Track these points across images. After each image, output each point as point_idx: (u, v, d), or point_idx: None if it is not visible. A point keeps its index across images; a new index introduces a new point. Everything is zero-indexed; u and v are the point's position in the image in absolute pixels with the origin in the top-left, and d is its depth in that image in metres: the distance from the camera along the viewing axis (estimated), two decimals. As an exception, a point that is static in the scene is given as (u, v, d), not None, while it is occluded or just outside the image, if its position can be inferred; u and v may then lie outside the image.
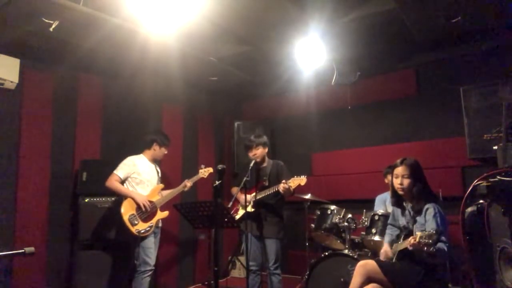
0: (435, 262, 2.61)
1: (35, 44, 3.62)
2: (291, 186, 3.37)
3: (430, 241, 2.31)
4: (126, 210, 3.47)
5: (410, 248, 2.46)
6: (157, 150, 3.79)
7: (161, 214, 3.65)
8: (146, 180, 3.68)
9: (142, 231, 3.48)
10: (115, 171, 3.59)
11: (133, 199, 3.51)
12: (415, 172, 2.75)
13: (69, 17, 3.10)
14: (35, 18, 3.07)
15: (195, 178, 3.89)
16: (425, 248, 2.33)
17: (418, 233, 2.39)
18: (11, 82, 3.59)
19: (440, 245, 2.42)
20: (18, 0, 2.86)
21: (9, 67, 3.58)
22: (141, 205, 3.49)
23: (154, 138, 3.79)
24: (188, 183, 3.83)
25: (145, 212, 3.52)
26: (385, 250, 2.94)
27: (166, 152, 3.88)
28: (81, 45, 3.62)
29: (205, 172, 3.96)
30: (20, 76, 3.66)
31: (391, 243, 2.98)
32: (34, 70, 3.91)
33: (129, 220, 3.44)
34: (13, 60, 3.61)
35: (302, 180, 3.38)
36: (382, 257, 2.94)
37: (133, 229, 3.44)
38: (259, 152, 3.69)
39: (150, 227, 3.53)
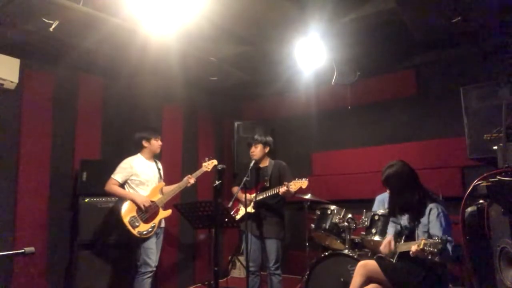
0: (437, 265, 2.60)
1: (35, 44, 3.63)
2: (291, 189, 3.36)
3: (435, 250, 2.29)
4: (126, 213, 3.44)
5: (413, 255, 2.45)
6: (149, 146, 3.71)
7: (163, 213, 3.62)
8: (146, 180, 3.65)
9: (144, 233, 3.45)
10: (112, 175, 3.56)
11: (132, 200, 3.49)
12: (396, 186, 2.74)
13: (69, 17, 3.10)
14: (35, 18, 3.07)
15: (198, 173, 3.79)
16: (430, 256, 2.32)
17: (423, 240, 2.37)
18: (11, 82, 3.59)
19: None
20: (18, 0, 2.86)
21: (9, 67, 3.57)
22: (141, 206, 3.46)
23: (140, 136, 3.71)
24: (191, 180, 3.74)
25: (146, 213, 3.49)
26: (389, 241, 2.88)
27: (160, 143, 3.75)
28: (81, 45, 3.61)
29: (208, 165, 3.81)
30: (20, 76, 3.66)
31: (395, 236, 2.96)
32: (34, 70, 3.91)
33: (129, 222, 3.41)
34: (13, 60, 3.61)
35: (303, 183, 3.37)
36: (384, 248, 2.89)
37: (135, 231, 3.41)
38: (257, 150, 3.69)
39: (153, 227, 3.51)
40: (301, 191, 3.55)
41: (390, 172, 2.75)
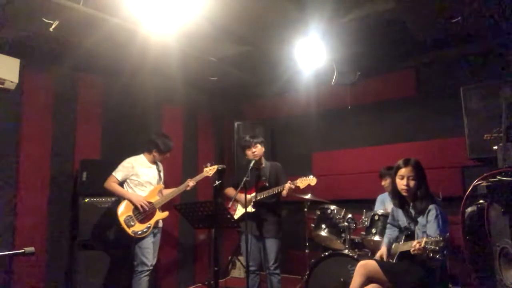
0: (434, 265, 2.61)
1: (35, 44, 3.62)
2: (299, 187, 3.37)
3: (437, 248, 2.29)
4: (123, 212, 3.47)
5: (414, 253, 2.45)
6: (157, 156, 3.75)
7: (160, 215, 3.64)
8: (145, 181, 3.67)
9: (139, 232, 3.47)
10: (113, 173, 3.60)
11: (129, 200, 3.51)
12: (420, 173, 2.75)
13: (69, 17, 3.10)
14: (35, 18, 3.07)
15: (198, 177, 3.78)
16: (431, 254, 2.32)
17: (424, 238, 2.37)
18: (11, 82, 3.59)
19: None
20: (18, 0, 2.86)
21: (9, 67, 3.57)
22: (139, 206, 3.49)
23: (155, 144, 3.72)
24: (191, 183, 3.73)
25: (142, 213, 3.51)
26: (382, 253, 2.92)
27: (166, 156, 3.82)
28: (81, 45, 3.61)
29: (210, 170, 3.80)
30: (20, 76, 3.65)
31: (389, 245, 2.96)
32: (34, 70, 3.91)
33: (125, 221, 3.44)
34: (13, 60, 3.60)
35: (312, 180, 3.37)
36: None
37: (129, 231, 3.44)
38: (258, 150, 3.69)
39: (148, 228, 3.52)
40: (300, 189, 3.55)
41: (415, 160, 2.79)
